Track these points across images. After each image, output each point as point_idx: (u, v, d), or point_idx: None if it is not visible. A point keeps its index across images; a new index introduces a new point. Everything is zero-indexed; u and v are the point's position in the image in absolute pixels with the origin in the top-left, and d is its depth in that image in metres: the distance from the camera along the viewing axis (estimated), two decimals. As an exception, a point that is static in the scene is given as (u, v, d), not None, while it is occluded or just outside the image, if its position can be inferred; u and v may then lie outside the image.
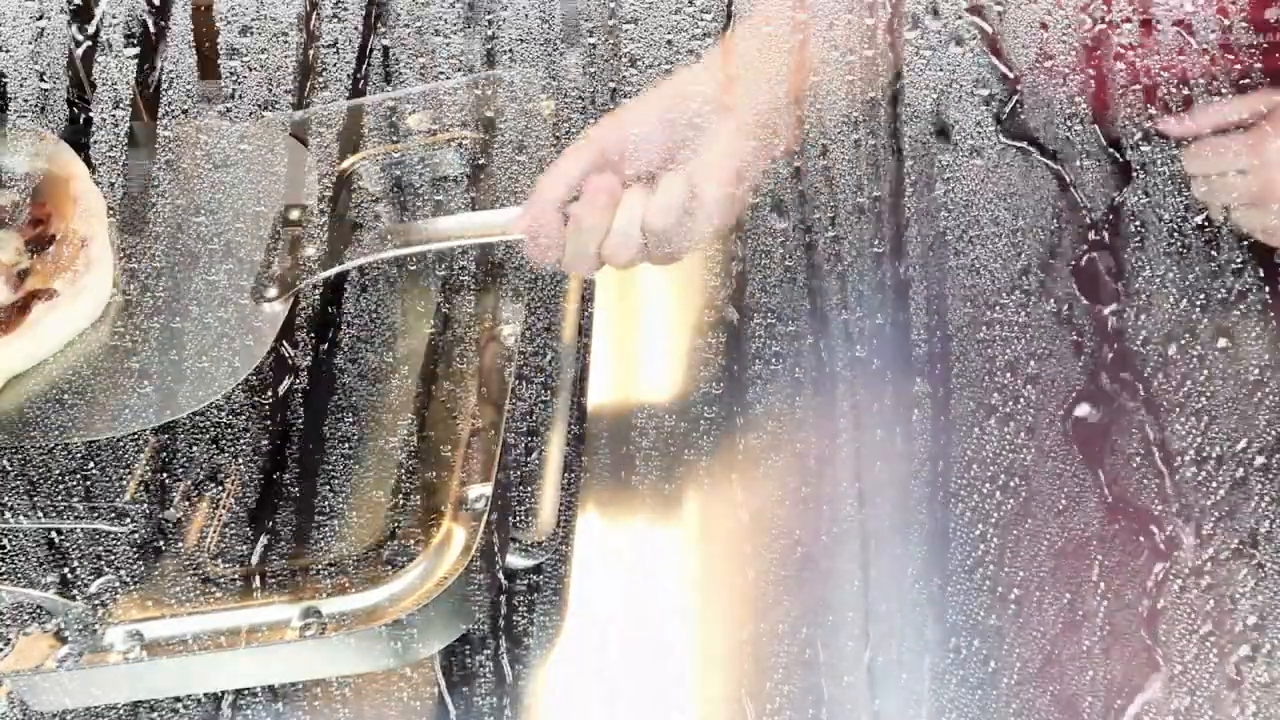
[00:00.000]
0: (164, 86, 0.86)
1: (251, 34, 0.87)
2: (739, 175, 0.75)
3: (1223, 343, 0.80)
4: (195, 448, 0.73)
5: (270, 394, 0.77)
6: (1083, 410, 0.81)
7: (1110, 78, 0.80)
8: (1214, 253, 0.83)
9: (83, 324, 0.78)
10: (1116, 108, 0.80)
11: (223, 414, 0.75)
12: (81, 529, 0.68)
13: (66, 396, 0.73)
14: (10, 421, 0.71)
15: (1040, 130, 0.84)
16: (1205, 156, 0.81)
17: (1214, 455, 0.78)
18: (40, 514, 0.68)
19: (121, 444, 0.72)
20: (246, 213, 0.83)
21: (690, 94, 0.74)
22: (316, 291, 0.84)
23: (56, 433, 0.71)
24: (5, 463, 0.71)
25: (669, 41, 0.77)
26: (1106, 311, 0.84)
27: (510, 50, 0.91)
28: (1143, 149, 0.81)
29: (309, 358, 0.81)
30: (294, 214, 0.82)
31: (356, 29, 0.91)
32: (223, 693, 0.69)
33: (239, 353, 0.74)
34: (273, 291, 0.77)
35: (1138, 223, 0.83)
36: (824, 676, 0.73)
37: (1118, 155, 0.82)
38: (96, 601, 0.64)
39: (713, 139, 0.74)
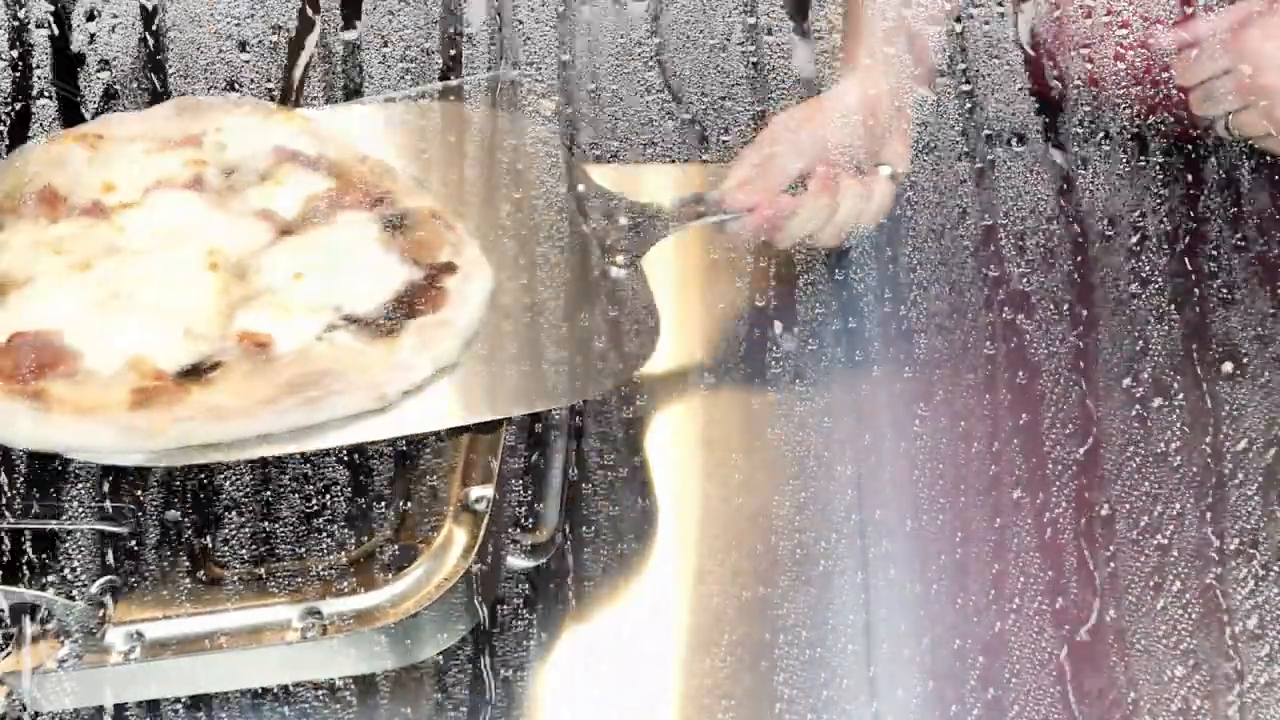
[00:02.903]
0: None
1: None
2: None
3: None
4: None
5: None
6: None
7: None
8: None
9: (489, 288, 0.78)
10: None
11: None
12: (81, 529, 0.68)
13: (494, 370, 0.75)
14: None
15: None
16: (1193, 66, 0.88)
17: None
18: (40, 514, 0.68)
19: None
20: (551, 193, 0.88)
21: (859, 96, 0.89)
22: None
23: (517, 404, 0.75)
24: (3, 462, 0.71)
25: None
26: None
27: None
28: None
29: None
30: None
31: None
32: (223, 693, 0.69)
33: (641, 322, 0.80)
34: (621, 259, 0.83)
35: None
36: (825, 676, 0.73)
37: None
38: (96, 601, 0.64)
39: (891, 137, 0.89)
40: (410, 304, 0.75)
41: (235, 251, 0.78)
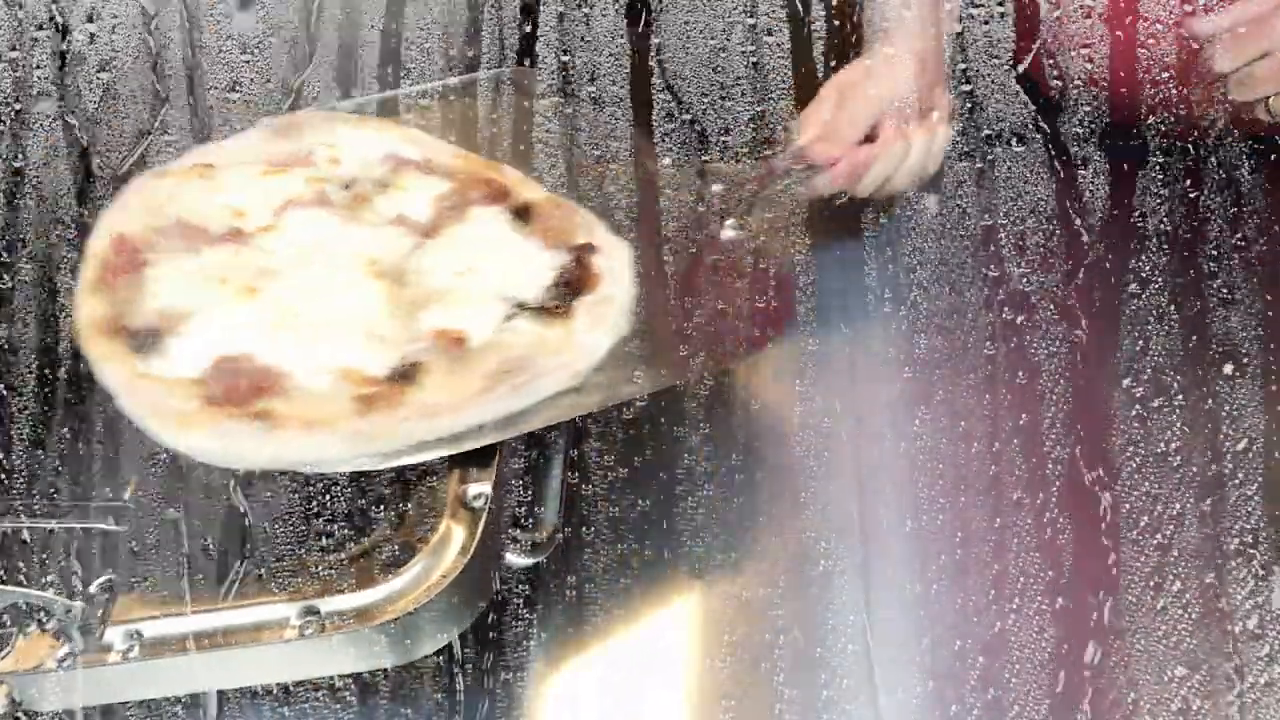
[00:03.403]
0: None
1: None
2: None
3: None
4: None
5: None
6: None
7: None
8: None
9: (632, 262, 0.81)
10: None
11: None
12: (81, 529, 0.68)
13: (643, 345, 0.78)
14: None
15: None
16: (1230, 51, 0.90)
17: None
18: (40, 514, 0.68)
19: (121, 443, 0.72)
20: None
21: (907, 51, 0.96)
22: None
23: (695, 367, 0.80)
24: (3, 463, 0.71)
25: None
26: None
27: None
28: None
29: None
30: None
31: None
32: (222, 692, 0.69)
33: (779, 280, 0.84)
34: (731, 222, 0.88)
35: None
36: (825, 677, 0.73)
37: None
38: (96, 601, 0.64)
39: (936, 87, 0.95)
40: (569, 286, 0.79)
41: (388, 259, 0.81)
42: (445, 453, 0.69)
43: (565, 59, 0.96)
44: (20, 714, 0.64)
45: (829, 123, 0.94)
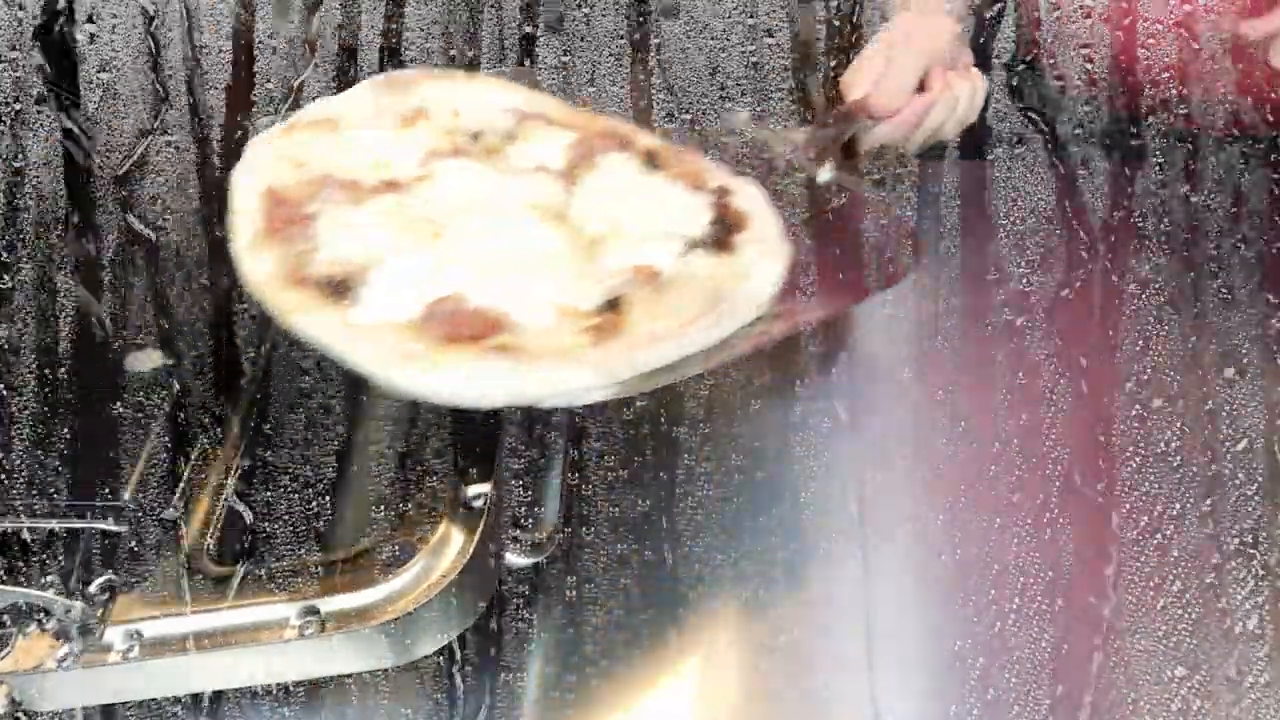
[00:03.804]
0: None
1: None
2: None
3: None
4: (195, 447, 0.73)
5: (270, 392, 0.77)
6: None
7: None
8: None
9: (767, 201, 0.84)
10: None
11: (222, 412, 0.75)
12: (81, 529, 0.68)
13: None
14: None
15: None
16: None
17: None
18: (40, 514, 0.68)
19: (121, 443, 0.72)
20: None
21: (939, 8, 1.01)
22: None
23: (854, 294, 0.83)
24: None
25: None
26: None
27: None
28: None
29: (308, 355, 0.81)
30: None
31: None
32: (222, 692, 0.69)
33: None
34: (827, 165, 0.91)
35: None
36: (825, 677, 0.73)
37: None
38: (96, 601, 0.64)
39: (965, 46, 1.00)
40: (724, 223, 0.80)
41: (546, 204, 0.82)
42: (668, 381, 0.72)
43: (566, 59, 0.96)
44: (20, 714, 0.64)
45: (884, 77, 0.97)
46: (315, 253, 0.75)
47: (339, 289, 0.72)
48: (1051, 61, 0.97)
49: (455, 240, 0.78)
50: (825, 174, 0.91)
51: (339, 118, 0.86)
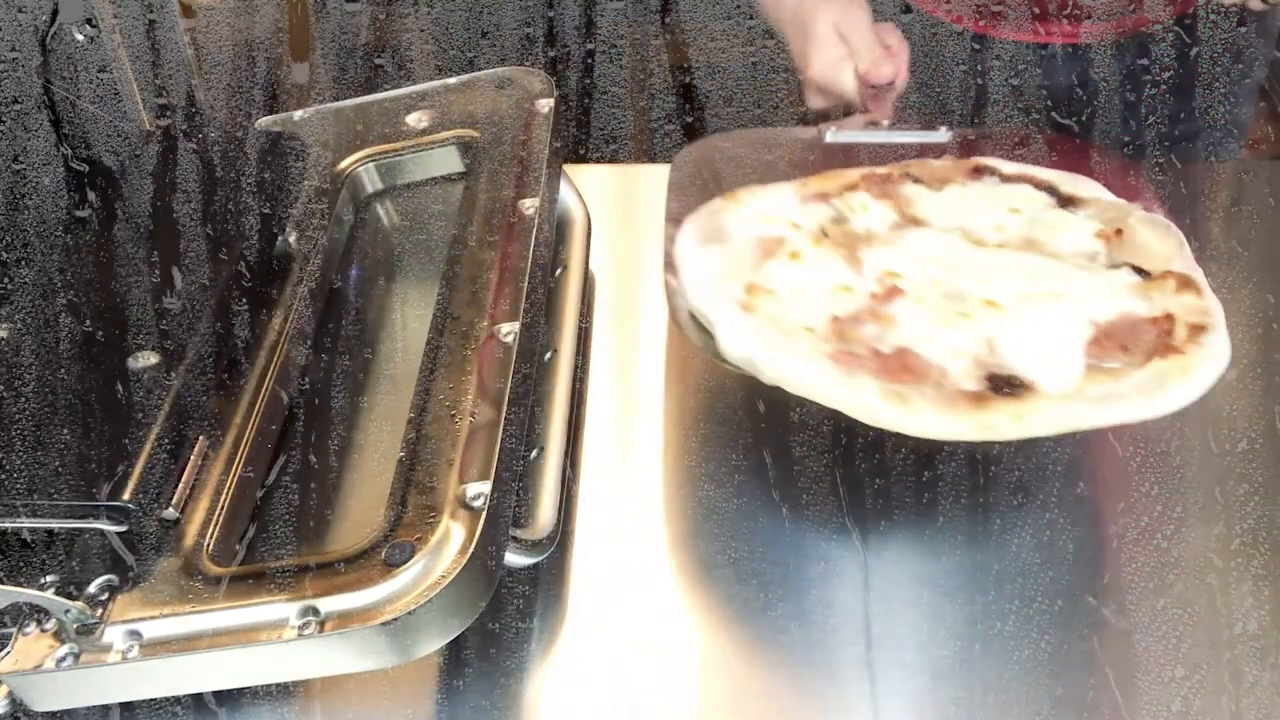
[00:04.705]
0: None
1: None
2: None
3: None
4: (194, 447, 0.72)
5: (269, 391, 0.77)
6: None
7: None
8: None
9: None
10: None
11: (221, 412, 0.75)
12: (81, 529, 0.68)
13: None
14: None
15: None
16: None
17: None
18: (40, 514, 0.68)
19: (121, 443, 0.72)
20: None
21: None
22: (310, 288, 0.84)
23: None
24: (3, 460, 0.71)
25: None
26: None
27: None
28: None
29: (307, 355, 0.81)
30: None
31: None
32: (222, 692, 0.69)
33: None
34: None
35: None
36: (825, 677, 0.73)
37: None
38: (96, 601, 0.64)
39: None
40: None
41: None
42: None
43: (565, 58, 0.96)
44: (20, 714, 0.64)
45: (861, 49, 1.05)
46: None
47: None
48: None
49: (947, 295, 0.84)
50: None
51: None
